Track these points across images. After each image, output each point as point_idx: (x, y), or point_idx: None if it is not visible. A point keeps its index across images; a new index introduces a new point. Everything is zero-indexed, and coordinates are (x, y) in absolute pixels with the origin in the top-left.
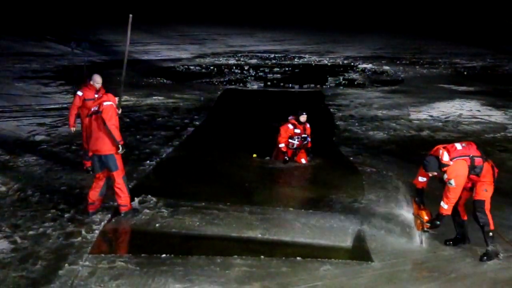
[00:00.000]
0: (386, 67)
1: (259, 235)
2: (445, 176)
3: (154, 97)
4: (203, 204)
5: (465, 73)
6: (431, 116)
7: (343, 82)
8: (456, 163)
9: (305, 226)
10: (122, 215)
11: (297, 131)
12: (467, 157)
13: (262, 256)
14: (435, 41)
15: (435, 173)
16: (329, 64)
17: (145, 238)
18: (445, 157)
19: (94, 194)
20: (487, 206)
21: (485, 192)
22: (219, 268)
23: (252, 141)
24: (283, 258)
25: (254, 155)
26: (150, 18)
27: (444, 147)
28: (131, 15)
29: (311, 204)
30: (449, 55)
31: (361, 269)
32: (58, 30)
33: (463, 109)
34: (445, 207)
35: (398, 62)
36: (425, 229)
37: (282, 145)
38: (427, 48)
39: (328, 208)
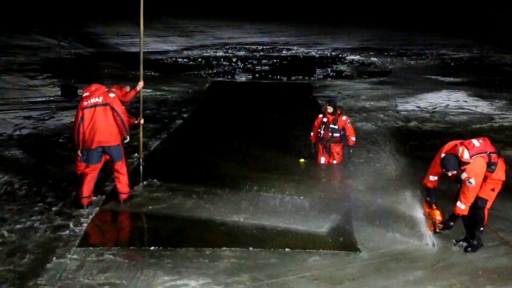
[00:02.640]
0: (373, 59)
1: (242, 219)
2: (464, 175)
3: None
4: (195, 189)
5: (452, 64)
6: (418, 107)
7: (331, 73)
8: (476, 160)
9: (293, 213)
10: (122, 202)
11: (325, 120)
12: (485, 154)
13: (250, 248)
14: (423, 32)
15: (454, 172)
16: (317, 56)
17: (133, 230)
18: (466, 155)
19: (89, 188)
20: (489, 205)
21: (491, 191)
22: (208, 260)
23: (242, 133)
24: (272, 249)
25: (302, 160)
26: (137, 10)
27: (461, 144)
28: None
29: (299, 193)
30: (436, 46)
31: (349, 260)
32: (44, 23)
33: (450, 100)
34: (462, 207)
35: (385, 53)
36: (438, 230)
37: (311, 134)
38: (415, 40)
39: (316, 198)
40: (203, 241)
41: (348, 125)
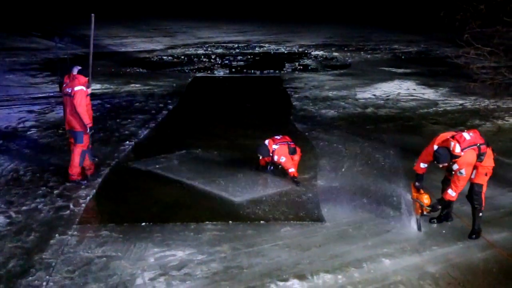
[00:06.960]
0: (335, 54)
1: (222, 197)
2: (456, 166)
3: (131, 85)
4: (181, 172)
5: (403, 57)
6: (374, 95)
7: (299, 67)
8: (467, 153)
9: (267, 191)
10: (70, 184)
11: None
12: (475, 146)
13: (230, 221)
14: (377, 29)
15: (445, 164)
16: (286, 52)
17: (127, 208)
18: (457, 149)
19: (86, 161)
20: (484, 189)
21: (485, 176)
22: (193, 233)
23: (219, 121)
24: (248, 222)
25: None
26: (126, 13)
27: (453, 138)
28: (93, 15)
29: (272, 173)
30: (389, 42)
31: (316, 229)
32: (42, 26)
33: (401, 89)
34: (453, 194)
35: (345, 49)
36: (424, 213)
37: None
38: (370, 36)
39: (287, 178)
40: (188, 216)
41: (282, 161)
